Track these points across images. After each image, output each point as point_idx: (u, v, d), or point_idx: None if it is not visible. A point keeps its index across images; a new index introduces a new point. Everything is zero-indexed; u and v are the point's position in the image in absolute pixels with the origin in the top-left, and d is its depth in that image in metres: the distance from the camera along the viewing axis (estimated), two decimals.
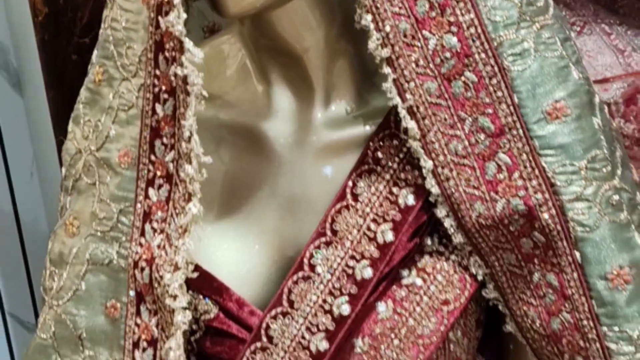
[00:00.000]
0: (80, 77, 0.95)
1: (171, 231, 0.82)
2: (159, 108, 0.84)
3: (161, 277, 0.82)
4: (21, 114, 1.66)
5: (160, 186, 0.85)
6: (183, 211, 0.81)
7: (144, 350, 0.85)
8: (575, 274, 0.80)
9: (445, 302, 0.84)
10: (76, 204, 0.91)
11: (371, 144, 0.85)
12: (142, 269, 0.85)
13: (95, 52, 0.91)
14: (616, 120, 1.23)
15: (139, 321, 0.86)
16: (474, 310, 0.87)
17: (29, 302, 1.70)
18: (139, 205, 0.87)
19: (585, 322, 0.80)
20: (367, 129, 0.86)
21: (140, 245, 0.86)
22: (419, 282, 0.84)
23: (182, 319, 0.81)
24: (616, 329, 0.79)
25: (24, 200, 1.66)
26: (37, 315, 1.64)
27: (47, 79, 1.51)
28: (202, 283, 0.85)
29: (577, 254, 0.79)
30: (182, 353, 0.82)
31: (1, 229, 1.65)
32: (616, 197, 0.80)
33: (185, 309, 0.82)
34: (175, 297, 0.81)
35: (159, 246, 0.84)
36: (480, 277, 0.85)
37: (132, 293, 0.87)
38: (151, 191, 0.86)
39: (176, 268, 0.81)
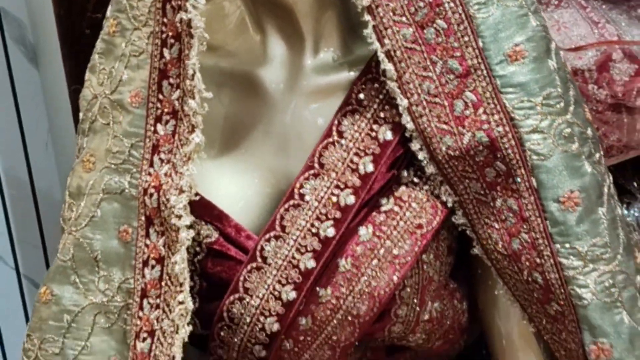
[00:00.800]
0: (93, 51, 1.01)
1: (176, 160, 0.90)
2: (166, 52, 0.92)
3: (168, 200, 0.89)
4: (37, 87, 1.68)
5: (167, 122, 0.92)
6: (187, 141, 0.88)
7: (153, 267, 0.92)
8: (532, 198, 0.87)
9: (419, 226, 0.91)
10: (92, 142, 0.98)
11: (355, 87, 0.92)
12: (151, 195, 0.92)
13: (109, 8, 0.99)
14: (589, 86, 1.30)
15: (148, 242, 0.93)
16: (446, 237, 0.94)
17: (43, 265, 1.71)
18: (148, 139, 0.94)
19: (540, 240, 0.87)
20: (352, 74, 0.94)
21: (149, 174, 0.93)
22: (395, 208, 0.91)
23: (186, 235, 0.89)
24: (567, 245, 0.86)
25: (39, 170, 1.68)
26: None
27: (63, 52, 1.54)
28: (204, 210, 0.92)
29: (534, 180, 0.87)
30: (186, 267, 0.89)
31: (17, 197, 1.67)
32: (568, 130, 0.87)
33: (188, 227, 0.89)
34: (180, 216, 0.88)
35: (165, 174, 0.91)
36: (450, 205, 0.92)
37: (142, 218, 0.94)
38: (159, 126, 0.93)
39: (181, 191, 0.89)
